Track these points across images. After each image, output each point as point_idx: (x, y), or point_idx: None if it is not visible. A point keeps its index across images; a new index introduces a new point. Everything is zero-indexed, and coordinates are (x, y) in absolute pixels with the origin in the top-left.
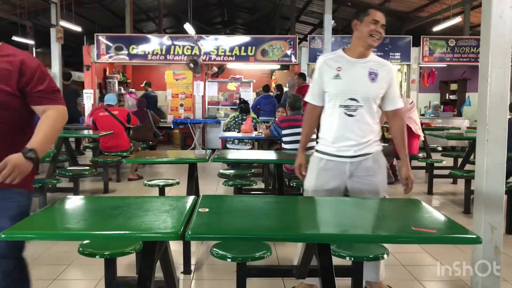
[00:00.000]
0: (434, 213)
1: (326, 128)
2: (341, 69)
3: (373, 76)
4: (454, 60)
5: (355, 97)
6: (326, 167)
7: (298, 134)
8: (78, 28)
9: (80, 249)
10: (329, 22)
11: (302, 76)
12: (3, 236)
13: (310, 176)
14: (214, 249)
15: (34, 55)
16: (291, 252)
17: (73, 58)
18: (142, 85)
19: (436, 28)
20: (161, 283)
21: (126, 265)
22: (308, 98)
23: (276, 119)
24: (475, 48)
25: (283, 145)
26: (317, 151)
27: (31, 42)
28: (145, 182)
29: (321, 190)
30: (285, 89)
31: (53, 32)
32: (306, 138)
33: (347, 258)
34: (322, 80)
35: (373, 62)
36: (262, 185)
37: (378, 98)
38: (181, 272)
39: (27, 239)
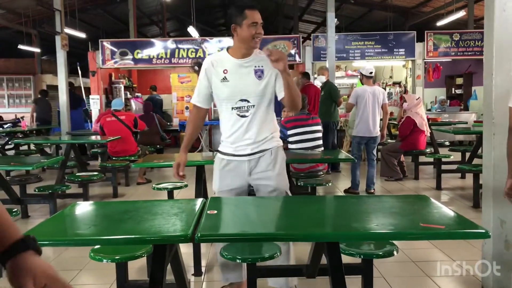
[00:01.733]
0: (442, 208)
1: (224, 130)
2: (227, 72)
3: (259, 73)
4: (459, 54)
5: (246, 98)
6: (227, 167)
7: (304, 133)
8: (82, 35)
9: (92, 254)
10: (332, 20)
11: (306, 75)
12: None
13: (215, 177)
14: (223, 250)
15: (40, 62)
16: (301, 251)
17: (78, 65)
18: (148, 89)
19: (440, 23)
20: (172, 286)
21: (137, 269)
22: (194, 100)
23: (282, 118)
24: (480, 42)
25: (289, 145)
26: (218, 152)
27: (37, 50)
28: (153, 185)
29: (226, 191)
30: None
31: (58, 39)
32: (189, 139)
33: (357, 256)
34: (210, 83)
35: (257, 59)
36: None
37: (270, 94)
38: (192, 274)
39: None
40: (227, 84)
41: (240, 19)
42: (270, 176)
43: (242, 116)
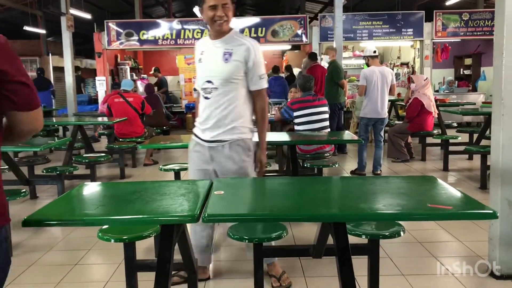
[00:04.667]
0: (449, 189)
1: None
2: (203, 53)
3: (227, 56)
4: (468, 34)
5: (210, 79)
6: (195, 149)
7: (310, 114)
8: (88, 16)
9: (100, 234)
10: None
11: (312, 56)
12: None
13: (188, 157)
14: (230, 230)
15: (46, 44)
16: (307, 232)
17: (84, 46)
18: (151, 72)
19: (449, 2)
20: (179, 265)
21: (145, 249)
22: (195, 85)
23: (289, 99)
24: (489, 21)
25: (296, 127)
26: (192, 132)
27: (42, 31)
28: (160, 166)
29: (196, 171)
30: (299, 69)
31: (63, 20)
32: None
33: (363, 237)
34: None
35: (230, 42)
36: (276, 167)
37: (236, 79)
38: None
39: (48, 226)
40: (201, 65)
41: (201, 2)
42: (228, 169)
43: (206, 98)
